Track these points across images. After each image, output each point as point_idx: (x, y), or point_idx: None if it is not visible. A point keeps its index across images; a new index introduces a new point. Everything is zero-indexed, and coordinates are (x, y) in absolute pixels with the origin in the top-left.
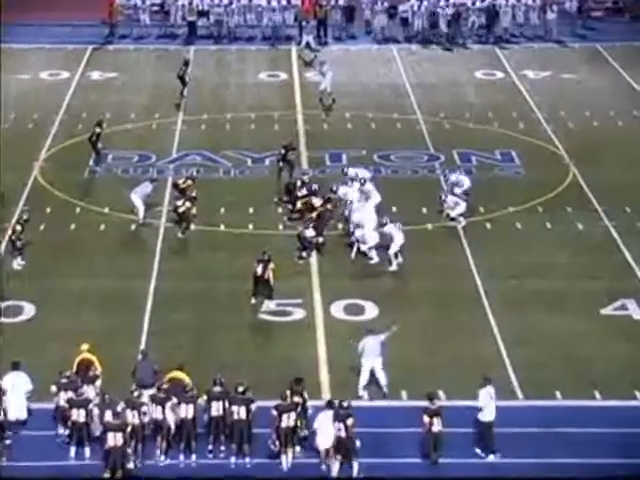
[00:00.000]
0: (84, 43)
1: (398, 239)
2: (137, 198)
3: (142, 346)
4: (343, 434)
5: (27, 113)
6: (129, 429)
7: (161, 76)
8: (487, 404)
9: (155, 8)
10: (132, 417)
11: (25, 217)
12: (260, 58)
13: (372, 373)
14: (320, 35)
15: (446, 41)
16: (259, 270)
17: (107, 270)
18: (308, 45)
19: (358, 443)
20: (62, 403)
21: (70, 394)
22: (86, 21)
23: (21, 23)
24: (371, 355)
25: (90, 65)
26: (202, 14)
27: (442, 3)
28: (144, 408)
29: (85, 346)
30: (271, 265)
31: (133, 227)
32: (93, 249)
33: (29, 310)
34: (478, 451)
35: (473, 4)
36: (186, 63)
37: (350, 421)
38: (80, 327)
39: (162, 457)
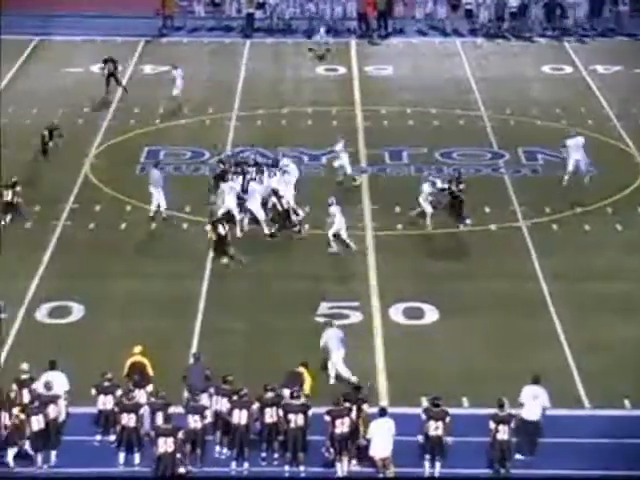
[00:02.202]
0: (137, 36)
1: (339, 222)
2: (154, 189)
3: (194, 350)
4: (440, 432)
5: (77, 108)
6: (181, 434)
7: (215, 70)
8: (528, 402)
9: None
10: (194, 422)
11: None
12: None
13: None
14: (381, 27)
15: (512, 34)
16: (222, 231)
17: (158, 271)
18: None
19: (450, 440)
20: (102, 406)
21: (110, 398)
22: (139, 13)
23: (72, 15)
24: (332, 348)
25: (142, 58)
26: (260, 6)
27: None
28: (206, 412)
29: (138, 349)
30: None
31: (185, 226)
32: (144, 249)
33: (78, 311)
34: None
35: None
36: (106, 61)
37: (449, 419)
38: (129, 329)
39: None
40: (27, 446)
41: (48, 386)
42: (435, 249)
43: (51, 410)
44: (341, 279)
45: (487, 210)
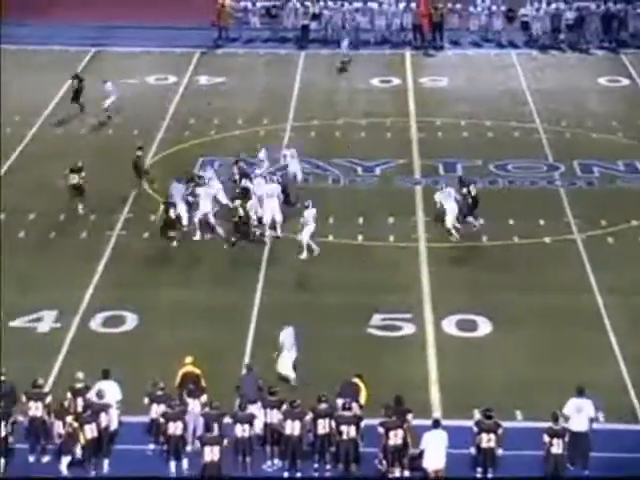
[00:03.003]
0: (192, 47)
1: (310, 227)
2: (179, 202)
3: (246, 360)
4: (492, 444)
5: (133, 118)
6: (226, 442)
7: (270, 81)
8: (572, 414)
9: (266, 11)
10: (242, 431)
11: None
12: (373, 63)
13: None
14: (435, 39)
15: (568, 46)
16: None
17: (211, 280)
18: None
19: (500, 451)
20: (155, 415)
21: (162, 407)
22: (195, 24)
23: (129, 26)
24: (287, 347)
25: (198, 69)
26: (315, 17)
27: (564, 7)
28: (255, 421)
29: (189, 359)
30: None
31: (234, 241)
32: (198, 259)
33: (131, 321)
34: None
35: (598, 7)
36: (74, 77)
37: (501, 431)
38: (183, 339)
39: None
40: (80, 454)
41: (100, 395)
42: (489, 261)
43: (103, 419)
44: (394, 290)
45: (542, 222)
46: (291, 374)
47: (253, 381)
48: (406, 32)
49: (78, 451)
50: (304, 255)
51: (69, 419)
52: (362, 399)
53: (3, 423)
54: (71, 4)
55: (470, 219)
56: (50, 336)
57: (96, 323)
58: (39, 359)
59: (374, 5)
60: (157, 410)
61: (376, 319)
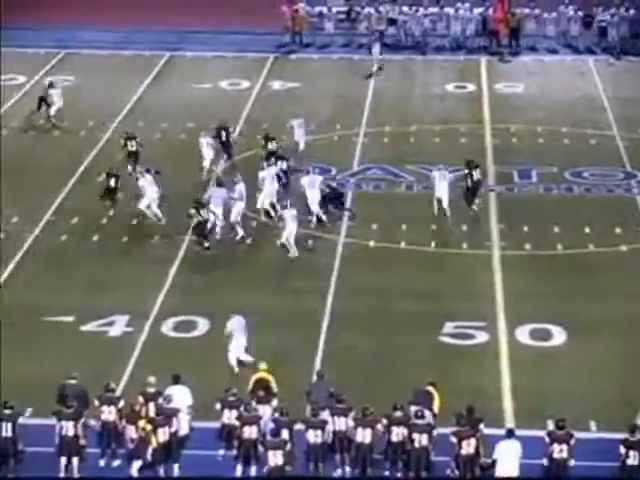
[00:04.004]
0: (266, 52)
1: (290, 226)
2: (216, 208)
3: (317, 367)
4: (565, 455)
5: (205, 123)
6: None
7: (344, 86)
8: None
9: (341, 16)
10: (314, 437)
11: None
12: (448, 68)
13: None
14: (511, 45)
15: None
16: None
17: (283, 287)
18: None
19: (573, 462)
20: (226, 421)
21: (234, 412)
22: (269, 29)
23: (203, 30)
24: (236, 335)
25: (271, 75)
26: (391, 23)
27: None
28: (327, 427)
29: (263, 365)
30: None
31: (310, 242)
32: (269, 265)
33: (203, 325)
34: None
35: None
36: (50, 85)
37: (573, 441)
38: (253, 345)
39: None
40: (150, 459)
41: (168, 399)
42: (564, 269)
43: (172, 423)
44: (467, 298)
45: (618, 231)
46: (247, 358)
47: (324, 388)
48: (482, 38)
49: (149, 455)
50: (292, 253)
51: (141, 423)
52: (435, 407)
53: (73, 423)
54: (147, 9)
55: (474, 206)
56: (122, 340)
57: (167, 327)
58: (111, 363)
59: (450, 10)
60: (229, 416)
61: (449, 327)
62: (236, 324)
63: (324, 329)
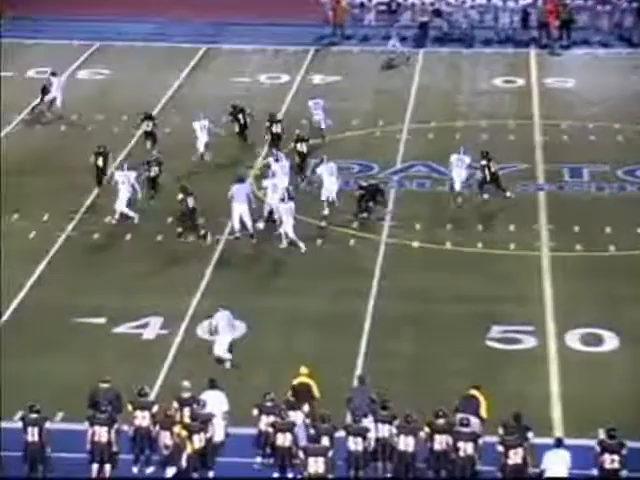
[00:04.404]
0: (306, 44)
1: (289, 221)
2: (237, 205)
3: (358, 371)
4: (616, 465)
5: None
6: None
7: (386, 80)
8: None
9: (382, 7)
10: (354, 444)
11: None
12: (495, 62)
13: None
14: (562, 37)
15: None
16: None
17: (323, 288)
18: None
19: (625, 473)
20: (264, 427)
21: (272, 418)
22: (309, 21)
23: (241, 23)
24: (221, 330)
25: (312, 68)
26: (436, 14)
27: None
28: (369, 435)
29: (304, 369)
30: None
31: (352, 242)
32: (308, 265)
33: (240, 328)
34: None
35: None
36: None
37: (625, 451)
38: (292, 348)
39: None
40: (185, 465)
41: (203, 404)
42: (617, 271)
43: (208, 429)
44: (514, 301)
45: None
46: (225, 355)
47: (365, 393)
48: (531, 30)
49: (183, 462)
50: (284, 244)
51: (176, 429)
52: (483, 412)
53: (105, 429)
54: (182, 0)
55: (485, 195)
56: (156, 343)
57: (203, 330)
58: (144, 367)
59: (498, 1)
60: (266, 421)
61: (495, 331)
62: (224, 319)
63: (366, 332)
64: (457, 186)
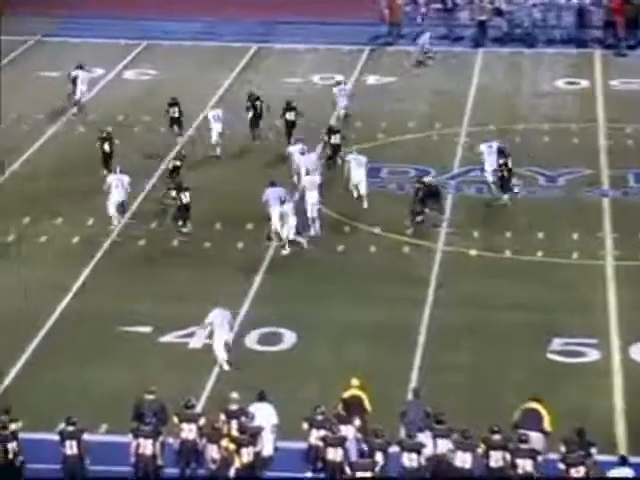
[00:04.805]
0: (360, 44)
1: (291, 221)
2: (274, 207)
3: (413, 384)
4: None
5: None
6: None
7: (444, 81)
8: None
9: (437, 6)
10: (409, 460)
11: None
12: (558, 63)
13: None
14: (629, 37)
15: None
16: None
17: (376, 297)
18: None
19: None
20: (315, 441)
21: (322, 432)
22: (364, 20)
23: (293, 21)
24: (215, 329)
25: (366, 68)
26: (497, 12)
27: None
28: (426, 450)
29: (356, 381)
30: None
31: (406, 249)
32: (361, 274)
33: (289, 338)
34: None
35: None
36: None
37: None
38: (344, 359)
39: None
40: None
41: (251, 417)
42: None
43: (257, 443)
44: (577, 312)
45: None
46: (222, 355)
47: (420, 407)
48: (591, 29)
49: (231, 476)
50: (286, 251)
51: (224, 442)
52: (547, 425)
53: (151, 441)
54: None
55: (506, 196)
56: (203, 353)
57: (252, 340)
58: (191, 377)
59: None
60: (317, 435)
61: (556, 343)
62: (219, 318)
63: (421, 343)
64: (489, 177)
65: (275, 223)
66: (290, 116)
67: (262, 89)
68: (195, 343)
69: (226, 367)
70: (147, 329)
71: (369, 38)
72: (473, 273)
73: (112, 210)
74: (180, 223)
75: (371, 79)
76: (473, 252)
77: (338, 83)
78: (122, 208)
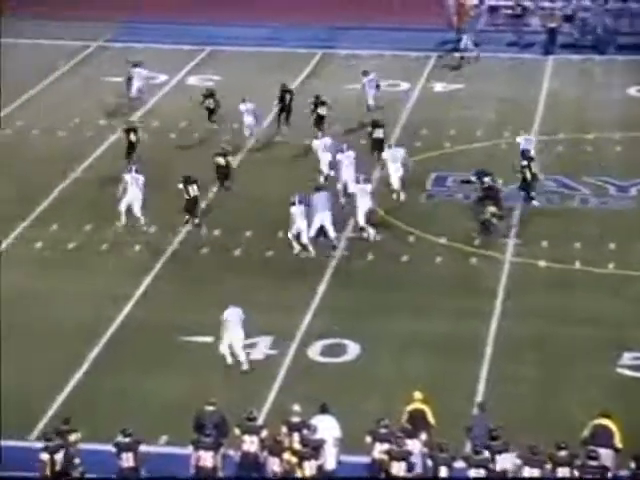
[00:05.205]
0: (428, 50)
1: (300, 223)
2: (322, 211)
3: (479, 397)
4: None
5: (358, 127)
6: None
7: (513, 89)
8: None
9: (507, 12)
10: (475, 474)
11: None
12: (631, 70)
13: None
14: None
15: None
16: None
17: (442, 308)
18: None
19: None
20: (378, 455)
21: (386, 446)
22: (431, 26)
23: (358, 27)
24: (231, 327)
25: (433, 75)
26: (567, 19)
27: None
28: (491, 466)
29: (419, 394)
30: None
31: (473, 260)
32: (427, 284)
33: (353, 350)
34: None
35: None
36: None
37: None
38: (408, 371)
39: None
40: None
41: (314, 429)
42: None
43: (319, 456)
44: None
45: None
46: (242, 354)
47: (485, 422)
48: None
49: None
50: (296, 250)
51: (286, 455)
52: (618, 442)
53: (211, 454)
54: (296, 3)
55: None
56: (264, 364)
57: (314, 351)
58: (252, 389)
59: (635, 5)
60: (380, 449)
61: (627, 357)
62: (234, 315)
63: (487, 355)
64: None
65: (313, 227)
66: (322, 111)
67: (325, 95)
68: (257, 354)
69: (246, 367)
70: (209, 339)
71: (436, 44)
72: (542, 285)
73: (123, 208)
74: (187, 217)
75: (438, 86)
76: (542, 263)
77: (366, 73)
78: (135, 209)
